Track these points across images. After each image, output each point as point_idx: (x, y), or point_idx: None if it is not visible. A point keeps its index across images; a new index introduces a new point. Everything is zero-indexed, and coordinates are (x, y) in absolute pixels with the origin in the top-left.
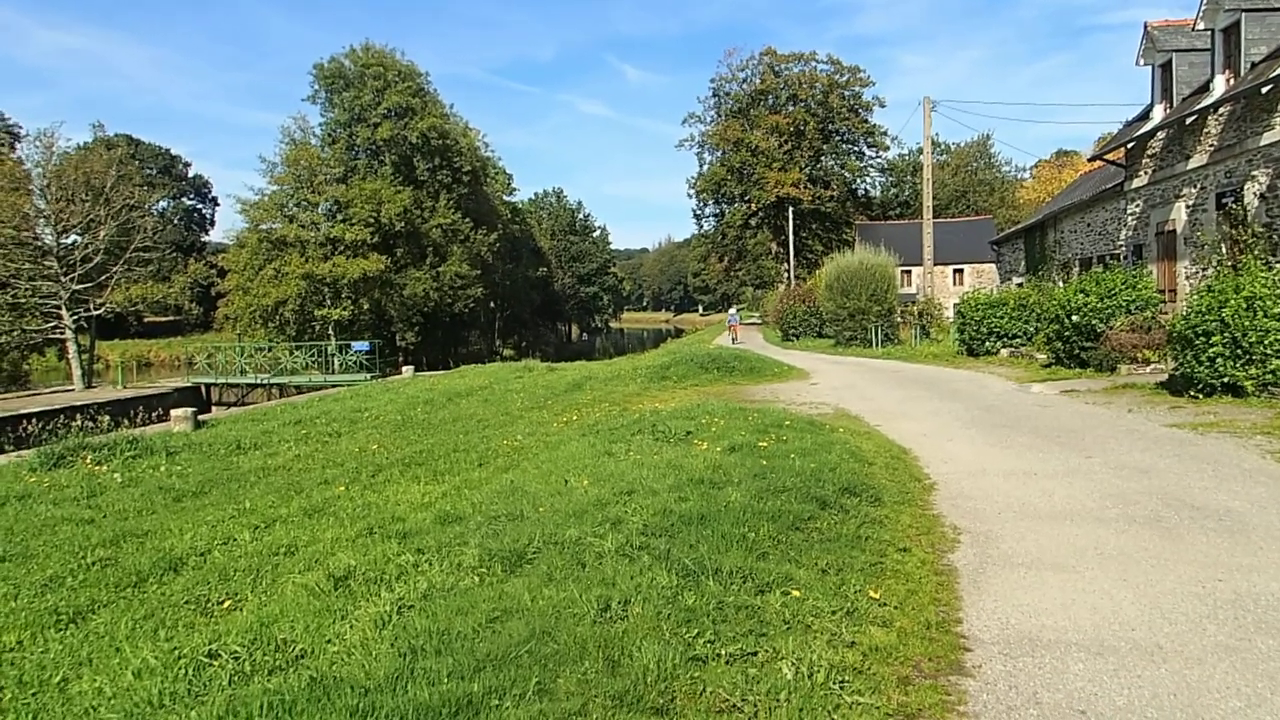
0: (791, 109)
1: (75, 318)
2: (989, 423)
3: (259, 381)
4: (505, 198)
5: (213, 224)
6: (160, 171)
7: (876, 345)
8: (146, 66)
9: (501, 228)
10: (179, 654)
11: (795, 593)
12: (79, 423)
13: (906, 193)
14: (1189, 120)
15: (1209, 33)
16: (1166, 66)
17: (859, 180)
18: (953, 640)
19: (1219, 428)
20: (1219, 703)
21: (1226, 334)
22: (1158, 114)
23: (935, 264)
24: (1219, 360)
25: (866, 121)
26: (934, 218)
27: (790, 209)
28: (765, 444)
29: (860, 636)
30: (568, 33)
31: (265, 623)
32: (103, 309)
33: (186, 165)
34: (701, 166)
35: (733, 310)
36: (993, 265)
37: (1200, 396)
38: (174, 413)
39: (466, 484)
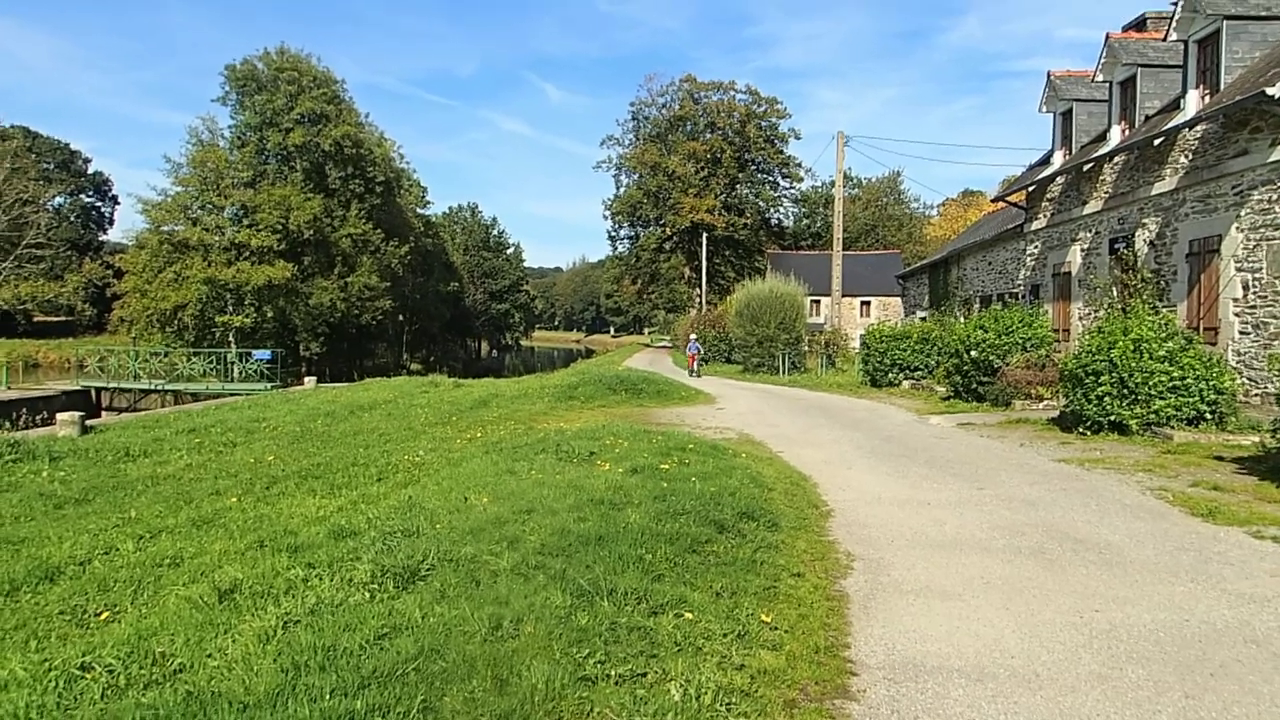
0: (709, 136)
1: None
2: (888, 452)
3: (153, 387)
4: (419, 210)
5: (112, 223)
6: (58, 166)
7: (784, 373)
8: (48, 58)
9: (414, 240)
10: (50, 666)
11: (688, 615)
12: None
13: (818, 224)
14: (1086, 167)
15: (1107, 84)
16: (1067, 114)
17: (772, 210)
18: (840, 664)
19: (1104, 464)
20: None
21: (1114, 374)
22: (1058, 160)
23: (844, 295)
24: (1107, 399)
25: (782, 152)
26: (844, 250)
27: (704, 235)
28: (667, 466)
29: (750, 659)
30: (490, 49)
31: (144, 635)
32: None
33: (86, 161)
34: (618, 189)
35: (693, 337)
36: (899, 299)
37: (1088, 433)
38: (60, 416)
39: (364, 499)
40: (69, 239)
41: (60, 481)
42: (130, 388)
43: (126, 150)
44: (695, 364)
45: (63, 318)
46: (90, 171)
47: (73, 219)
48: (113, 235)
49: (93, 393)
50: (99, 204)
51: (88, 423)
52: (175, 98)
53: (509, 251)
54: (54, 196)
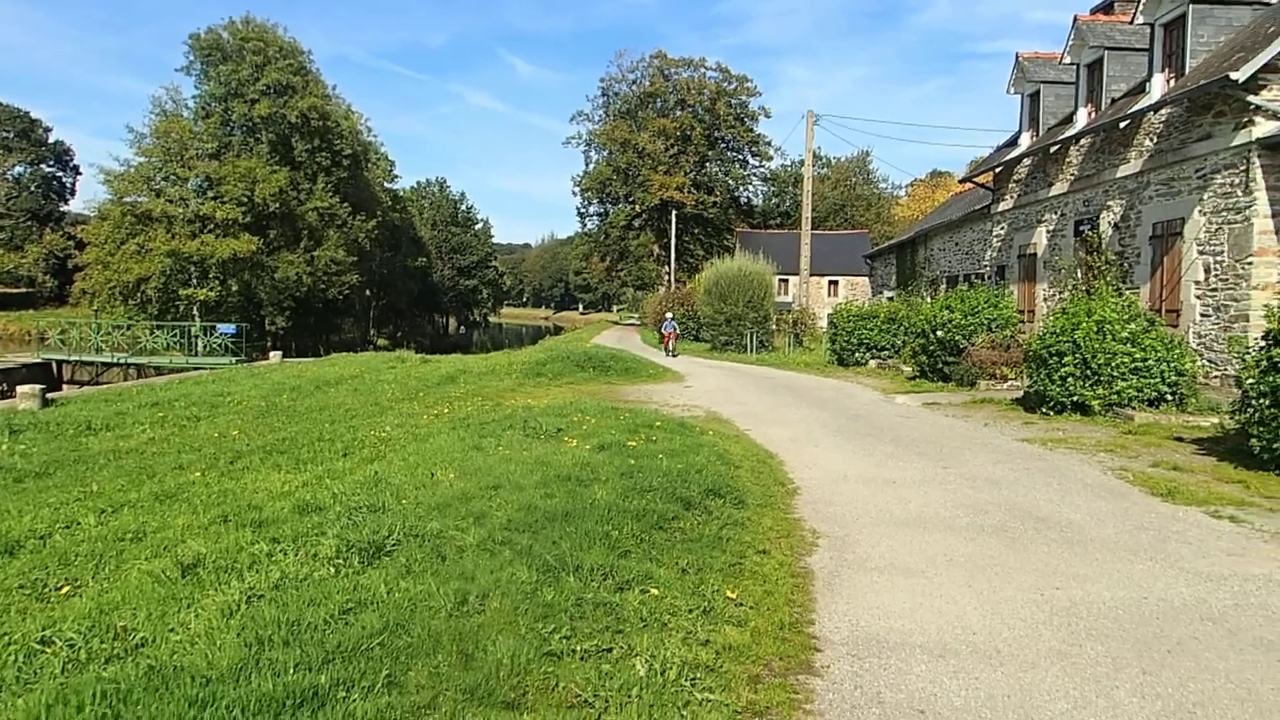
0: (679, 113)
1: None
2: (854, 431)
3: (115, 360)
4: (386, 185)
5: (73, 193)
6: (18, 135)
7: (751, 351)
8: (7, 23)
9: (381, 215)
10: (9, 641)
11: (654, 591)
12: None
13: (787, 203)
14: (1053, 149)
15: (1075, 67)
16: (1035, 96)
17: (742, 188)
18: (804, 640)
19: (1066, 444)
20: (1048, 704)
21: (1078, 355)
22: (1025, 141)
23: (812, 274)
24: (1070, 380)
25: (752, 130)
26: (812, 229)
27: (673, 212)
28: (635, 443)
29: (715, 635)
30: (461, 22)
31: (105, 610)
32: None
33: (47, 130)
34: (588, 165)
35: (669, 316)
36: (866, 278)
37: (1051, 413)
38: (20, 389)
39: (329, 474)
40: (29, 209)
41: (20, 455)
42: (92, 361)
43: (89, 119)
44: (671, 343)
45: (23, 289)
46: (51, 140)
47: (33, 189)
48: (74, 206)
49: (54, 365)
50: (60, 174)
51: (48, 396)
52: (140, 66)
53: (477, 227)
54: (13, 166)
